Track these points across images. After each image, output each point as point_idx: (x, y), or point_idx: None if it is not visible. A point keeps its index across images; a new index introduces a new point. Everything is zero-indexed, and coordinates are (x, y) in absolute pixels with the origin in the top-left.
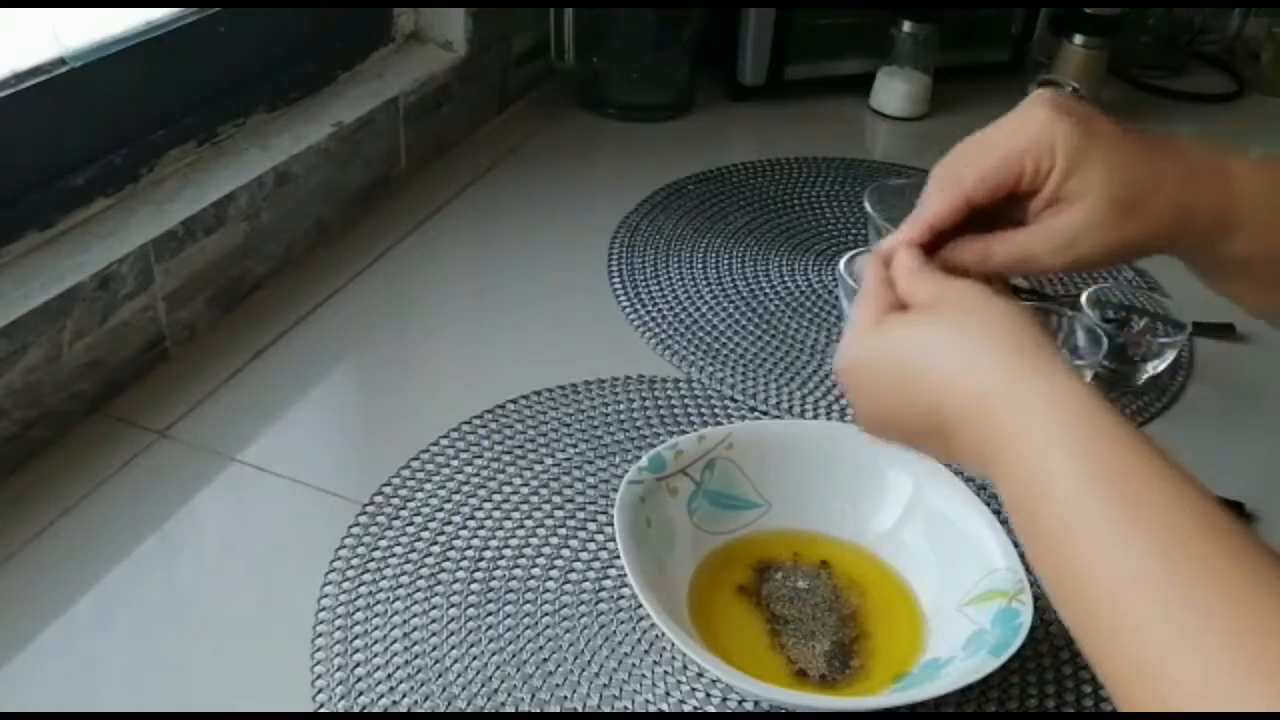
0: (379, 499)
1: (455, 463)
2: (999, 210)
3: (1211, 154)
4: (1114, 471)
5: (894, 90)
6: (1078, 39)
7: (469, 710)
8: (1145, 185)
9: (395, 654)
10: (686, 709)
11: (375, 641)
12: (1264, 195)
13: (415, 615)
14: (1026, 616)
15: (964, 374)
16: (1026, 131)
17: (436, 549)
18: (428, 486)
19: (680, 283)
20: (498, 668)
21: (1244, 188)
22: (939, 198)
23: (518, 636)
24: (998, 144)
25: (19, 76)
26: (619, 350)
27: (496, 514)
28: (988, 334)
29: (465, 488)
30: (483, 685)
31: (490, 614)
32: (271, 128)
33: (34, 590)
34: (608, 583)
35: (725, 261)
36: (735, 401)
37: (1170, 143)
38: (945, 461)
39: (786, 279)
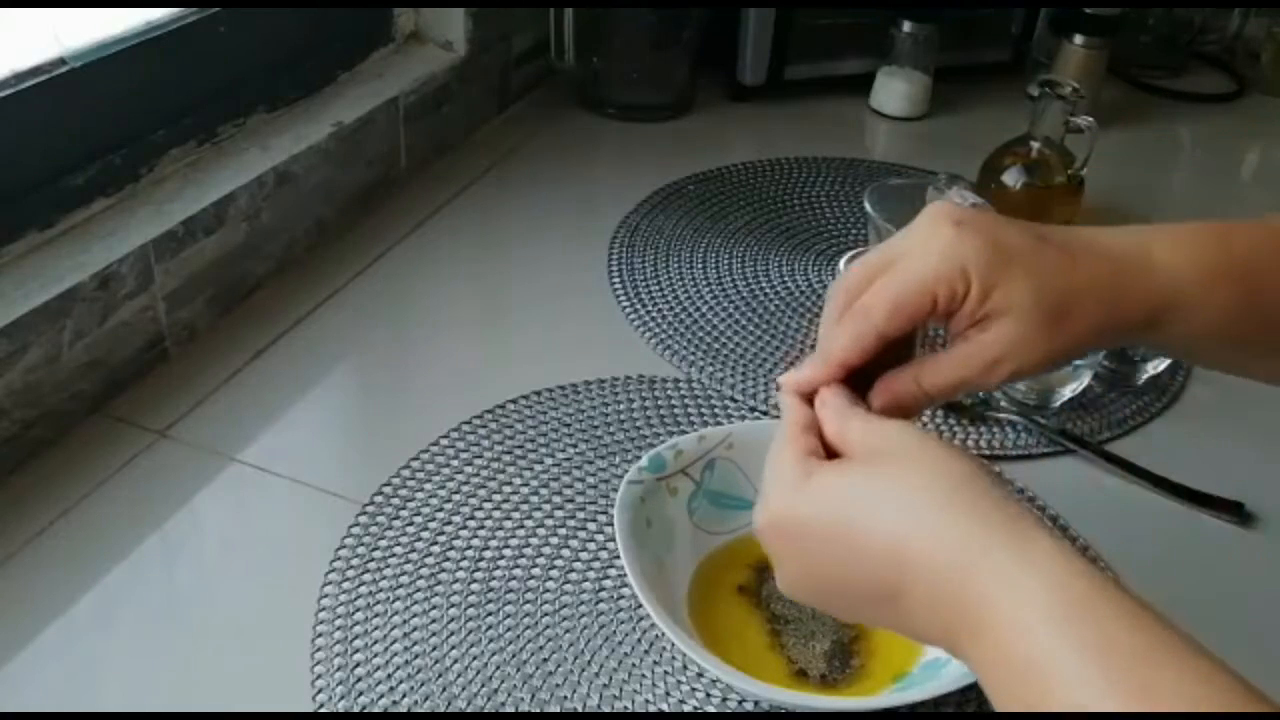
0: (379, 499)
1: (455, 463)
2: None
3: (1130, 242)
4: (1120, 647)
5: (894, 90)
6: (1078, 39)
7: (469, 710)
8: (1070, 291)
9: (395, 654)
10: (686, 709)
11: (375, 641)
12: (1188, 274)
13: (415, 615)
14: None
15: (921, 538)
16: (934, 256)
17: (436, 549)
18: (428, 486)
19: (680, 283)
20: (498, 668)
21: (1167, 271)
22: (848, 334)
23: (518, 636)
24: (906, 272)
25: (19, 76)
26: (619, 350)
27: (496, 514)
28: (938, 488)
29: (465, 488)
30: (483, 685)
31: (490, 614)
32: (271, 128)
33: (34, 590)
34: (608, 583)
35: (725, 261)
36: (735, 401)
37: (1087, 241)
38: (890, 628)
39: (786, 279)
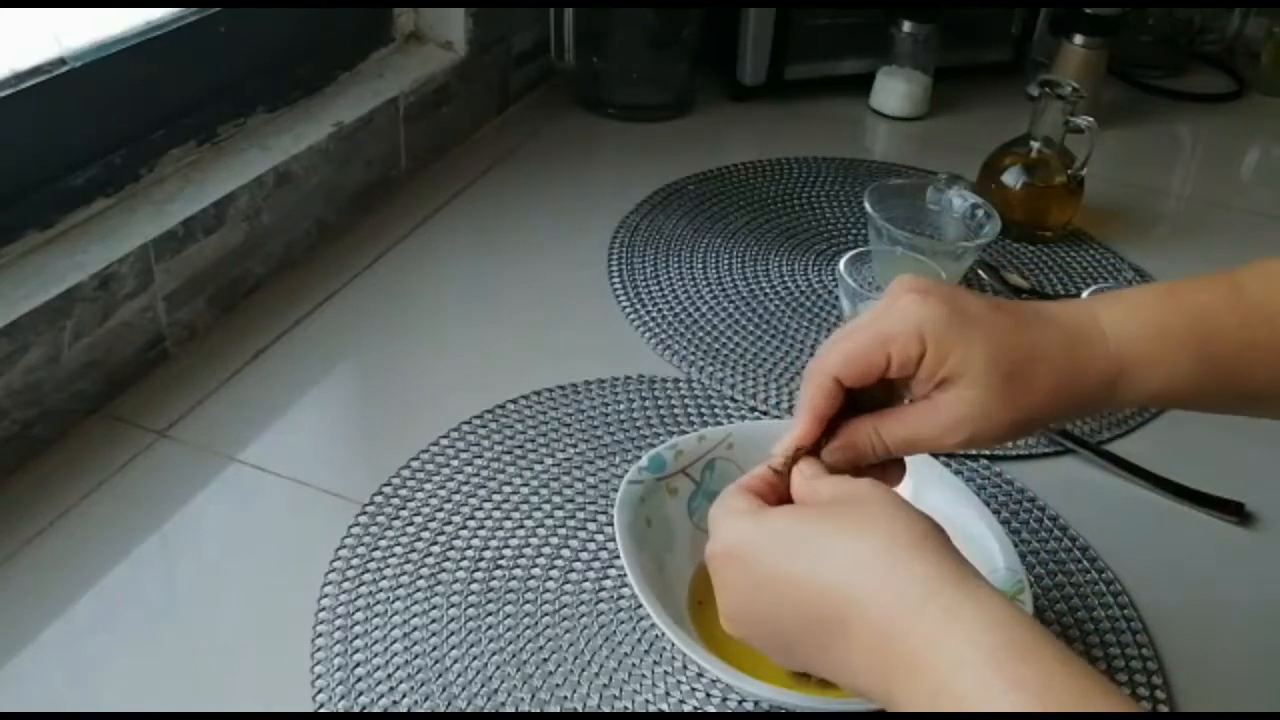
0: (379, 499)
1: (455, 463)
2: (888, 393)
3: (1077, 311)
4: (1058, 688)
5: (894, 90)
6: (1078, 39)
7: (469, 710)
8: (1025, 356)
9: (395, 654)
10: (686, 709)
11: (375, 641)
12: (1136, 336)
13: (415, 615)
14: None
15: (870, 578)
16: (891, 317)
17: (436, 549)
18: (428, 486)
19: (680, 283)
20: (498, 668)
21: (1116, 336)
22: (810, 386)
23: (518, 636)
24: (863, 327)
25: (19, 76)
26: (619, 350)
27: (496, 514)
28: (892, 536)
29: (465, 488)
30: (483, 685)
31: (490, 614)
32: (271, 128)
33: (34, 590)
34: (608, 583)
35: (725, 261)
36: (735, 401)
37: (1037, 309)
38: (823, 671)
39: (786, 279)
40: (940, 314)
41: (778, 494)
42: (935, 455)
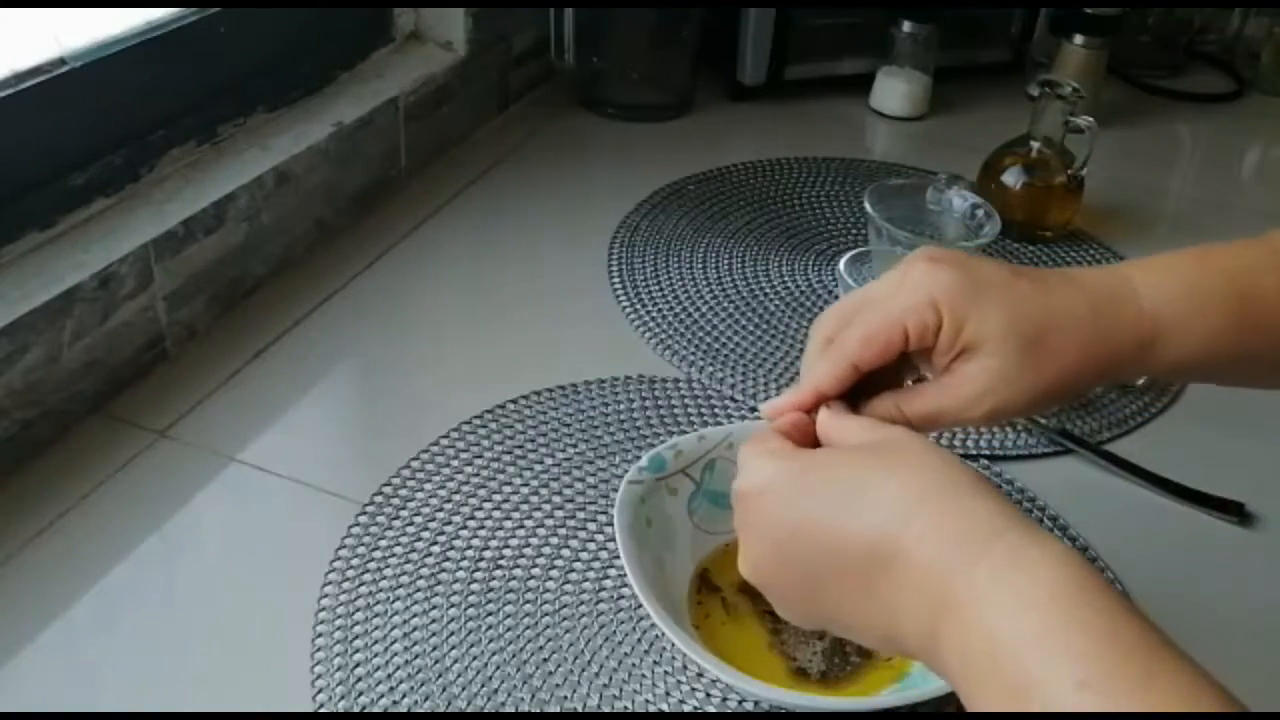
0: (379, 499)
1: (455, 463)
2: (905, 364)
3: (1109, 273)
4: (1126, 633)
5: (894, 90)
6: (1078, 39)
7: (469, 710)
8: (1046, 319)
9: (395, 654)
10: (686, 709)
11: (375, 641)
12: (1173, 294)
13: (415, 615)
14: None
15: (927, 515)
16: (904, 290)
17: (436, 549)
18: (428, 486)
19: (680, 283)
20: (498, 668)
21: (1151, 295)
22: (825, 366)
23: (518, 636)
24: (878, 305)
25: (19, 76)
26: (619, 350)
27: (496, 514)
28: (948, 476)
29: (465, 488)
30: (483, 685)
31: (490, 614)
32: (271, 128)
33: (34, 590)
34: (608, 583)
35: (725, 261)
36: (735, 401)
37: (1064, 274)
38: (857, 618)
39: (786, 279)
40: (954, 280)
41: (807, 439)
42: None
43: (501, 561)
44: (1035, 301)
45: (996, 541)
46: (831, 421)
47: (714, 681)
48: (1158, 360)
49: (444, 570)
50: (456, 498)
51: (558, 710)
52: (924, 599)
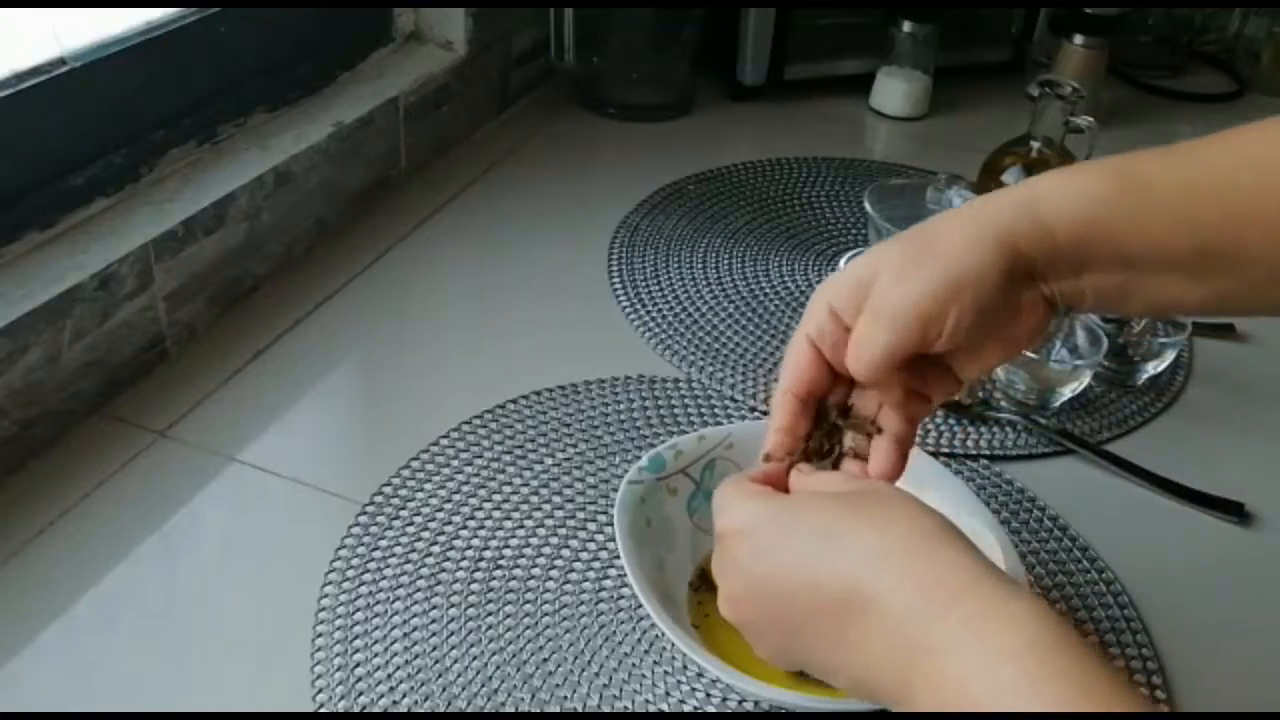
0: (379, 499)
1: (455, 463)
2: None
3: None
4: (1102, 682)
5: (894, 90)
6: (1078, 39)
7: (469, 710)
8: (921, 231)
9: (395, 654)
10: (686, 709)
11: (375, 641)
12: (1053, 176)
13: (415, 615)
14: None
15: (902, 560)
16: (807, 311)
17: (436, 549)
18: (428, 486)
19: (680, 283)
20: (498, 668)
21: (1032, 182)
22: (774, 408)
23: (518, 636)
24: (792, 338)
25: (19, 76)
26: (619, 350)
27: (496, 514)
28: (921, 530)
29: (465, 488)
30: (483, 685)
31: (490, 614)
32: (271, 128)
33: (34, 590)
34: (608, 583)
35: (725, 261)
36: (735, 401)
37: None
38: (814, 659)
39: (786, 279)
40: (845, 279)
41: (779, 488)
42: (936, 455)
43: (501, 561)
44: (914, 229)
45: (970, 592)
46: (805, 481)
47: (714, 681)
48: (1054, 227)
49: (444, 570)
50: (456, 498)
51: (558, 710)
52: (897, 647)
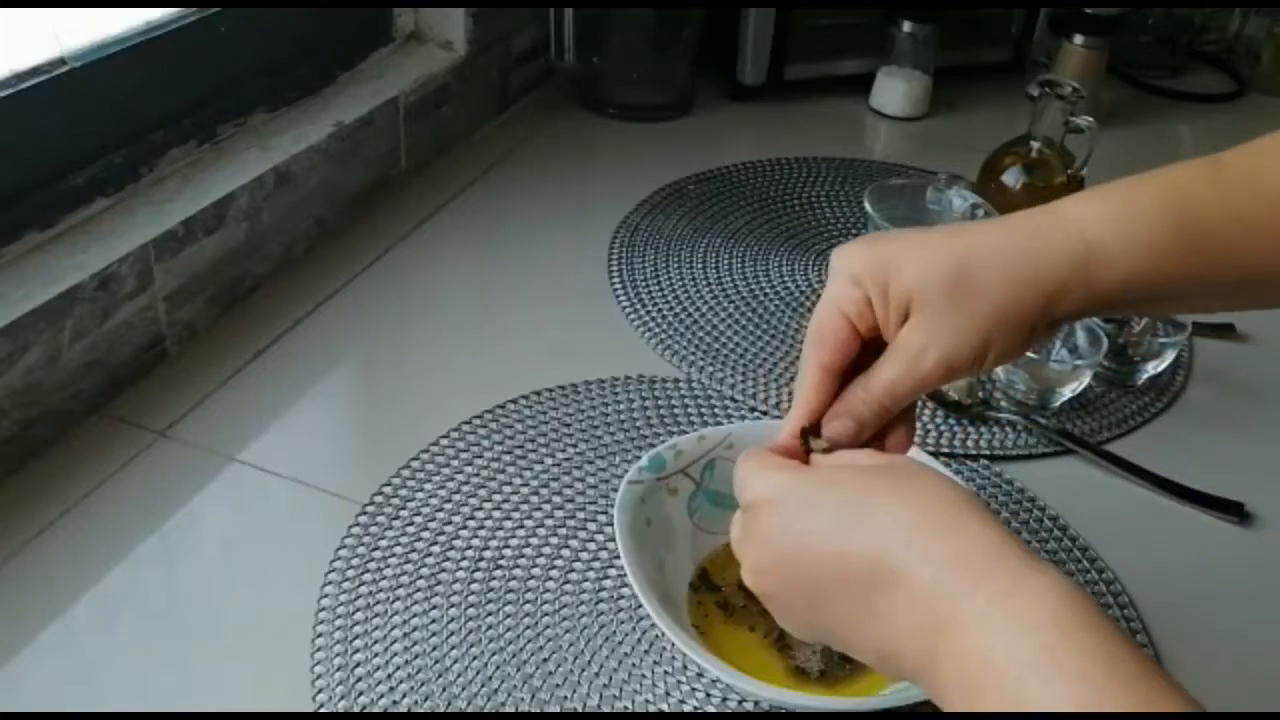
0: (379, 499)
1: (455, 463)
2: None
3: (1037, 208)
4: (1126, 661)
5: (894, 90)
6: (1078, 39)
7: (469, 710)
8: (962, 260)
9: (395, 654)
10: (686, 709)
11: (375, 641)
12: (1102, 216)
13: (415, 615)
14: None
15: (925, 540)
16: (829, 283)
17: (436, 549)
18: (428, 486)
19: (680, 283)
20: (498, 668)
21: (1078, 220)
22: (801, 381)
23: (518, 636)
24: (817, 311)
25: (19, 76)
26: (619, 350)
27: (496, 514)
28: (950, 502)
29: (465, 488)
30: (483, 685)
31: (490, 614)
32: (271, 128)
33: (34, 590)
34: (608, 583)
35: (725, 261)
36: (735, 401)
37: (983, 220)
38: (839, 632)
39: (786, 279)
40: (866, 251)
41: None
42: (936, 455)
43: (501, 561)
44: (946, 247)
45: (997, 567)
46: (829, 456)
47: (714, 681)
48: (1103, 281)
49: (444, 570)
50: (456, 498)
51: (558, 710)
52: (923, 620)
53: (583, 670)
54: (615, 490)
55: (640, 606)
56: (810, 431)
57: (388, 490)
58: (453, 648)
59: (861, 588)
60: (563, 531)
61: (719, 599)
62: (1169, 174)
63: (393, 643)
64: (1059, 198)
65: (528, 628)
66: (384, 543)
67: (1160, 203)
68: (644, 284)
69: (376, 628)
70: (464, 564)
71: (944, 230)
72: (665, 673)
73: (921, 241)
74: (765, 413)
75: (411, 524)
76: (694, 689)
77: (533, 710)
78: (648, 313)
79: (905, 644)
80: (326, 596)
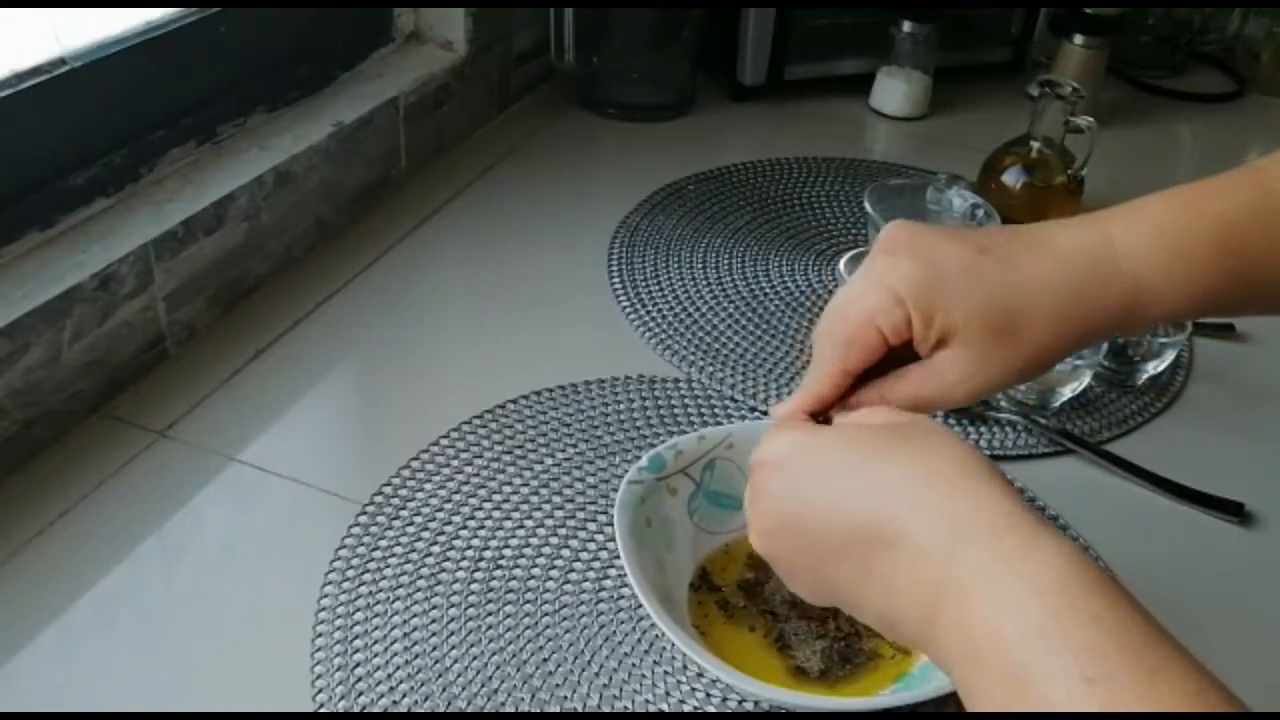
0: (379, 499)
1: (455, 463)
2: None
3: (1086, 232)
4: (1135, 627)
5: (894, 90)
6: (1078, 39)
7: (469, 710)
8: (1016, 303)
9: (395, 654)
10: (686, 709)
11: (375, 641)
12: (1154, 253)
13: (415, 615)
14: None
15: (935, 495)
16: (870, 290)
17: (436, 549)
18: (428, 486)
19: (680, 283)
20: (498, 668)
21: (1131, 256)
22: (818, 373)
23: (518, 636)
24: (849, 313)
25: (19, 76)
26: (619, 350)
27: (496, 514)
28: (962, 464)
29: (465, 488)
30: (483, 685)
31: (490, 614)
32: (271, 128)
33: (34, 590)
34: (608, 583)
35: (725, 261)
36: (735, 401)
37: (1037, 242)
38: (844, 592)
39: (786, 279)
40: (914, 272)
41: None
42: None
43: (501, 561)
44: (1001, 284)
45: (1004, 530)
46: (851, 415)
47: (714, 681)
48: (1143, 320)
49: (444, 570)
50: (456, 498)
51: (558, 710)
52: (923, 582)
53: (583, 670)
54: (615, 490)
55: (640, 606)
56: (815, 419)
57: (388, 490)
58: (453, 648)
59: (864, 548)
60: (563, 531)
61: (719, 599)
62: (1220, 199)
63: (393, 643)
64: (1059, 198)
65: (528, 628)
66: (384, 543)
67: (1213, 245)
68: (644, 284)
69: (376, 628)
70: (464, 564)
71: (998, 255)
72: (665, 673)
73: (973, 270)
74: (765, 413)
75: (411, 524)
76: (694, 689)
77: (533, 710)
78: (648, 313)
79: (904, 607)
80: (326, 596)
